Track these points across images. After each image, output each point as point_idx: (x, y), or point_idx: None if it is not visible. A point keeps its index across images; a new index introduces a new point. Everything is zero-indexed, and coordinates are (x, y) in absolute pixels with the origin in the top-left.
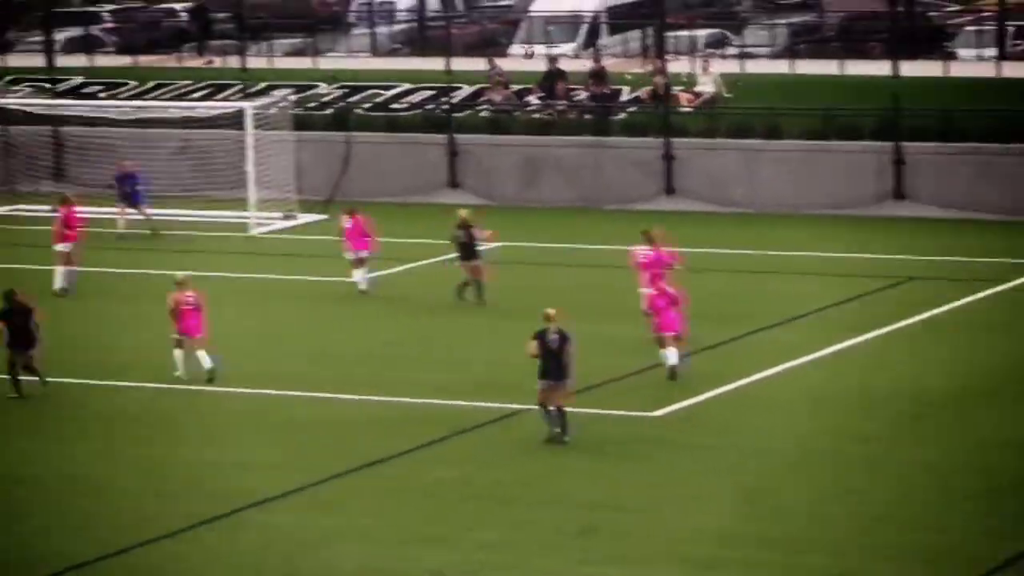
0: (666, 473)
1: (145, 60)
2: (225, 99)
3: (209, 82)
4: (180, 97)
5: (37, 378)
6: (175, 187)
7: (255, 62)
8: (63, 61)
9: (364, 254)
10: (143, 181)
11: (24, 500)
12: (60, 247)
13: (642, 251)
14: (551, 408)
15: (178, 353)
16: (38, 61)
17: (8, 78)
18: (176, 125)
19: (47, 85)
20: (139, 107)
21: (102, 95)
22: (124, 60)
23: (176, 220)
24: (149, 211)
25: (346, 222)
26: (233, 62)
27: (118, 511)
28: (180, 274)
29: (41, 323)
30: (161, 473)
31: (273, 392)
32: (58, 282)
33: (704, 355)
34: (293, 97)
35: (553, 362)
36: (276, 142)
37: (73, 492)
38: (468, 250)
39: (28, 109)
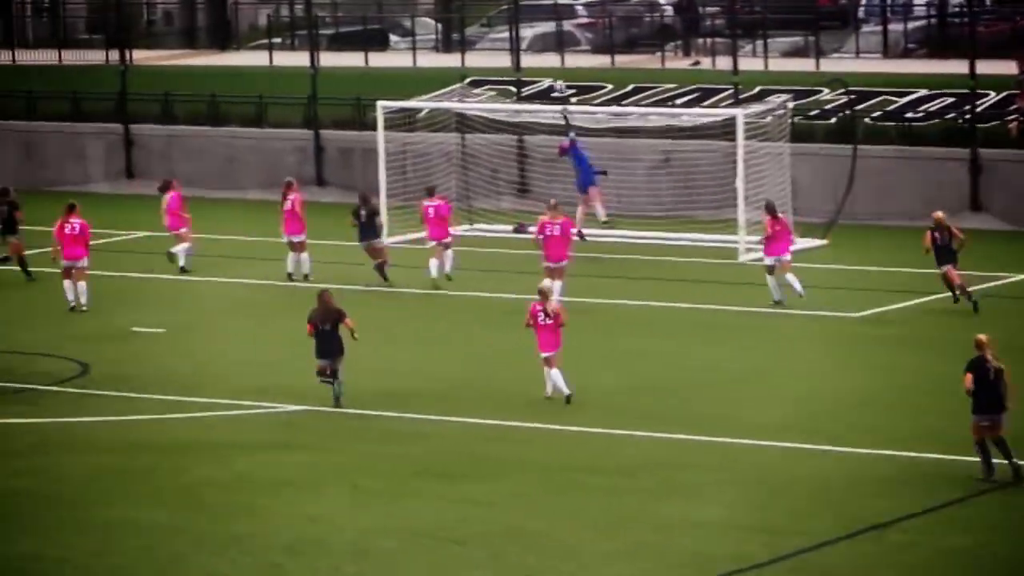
0: None
1: (623, 60)
2: (713, 105)
3: (695, 85)
4: (662, 103)
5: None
6: (654, 206)
7: (748, 63)
8: (530, 61)
9: (783, 259)
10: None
11: (462, 558)
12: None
13: None
14: (987, 443)
15: (549, 372)
16: (502, 61)
17: (469, 79)
18: (657, 135)
19: (512, 88)
20: (615, 114)
21: (574, 100)
22: (599, 60)
23: (656, 244)
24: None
25: (771, 226)
26: (723, 63)
27: (576, 572)
28: (545, 283)
29: (351, 331)
30: (626, 530)
31: (749, 442)
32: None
33: None
34: (791, 104)
35: (989, 394)
36: (771, 155)
37: (518, 548)
38: (947, 254)
39: (491, 115)
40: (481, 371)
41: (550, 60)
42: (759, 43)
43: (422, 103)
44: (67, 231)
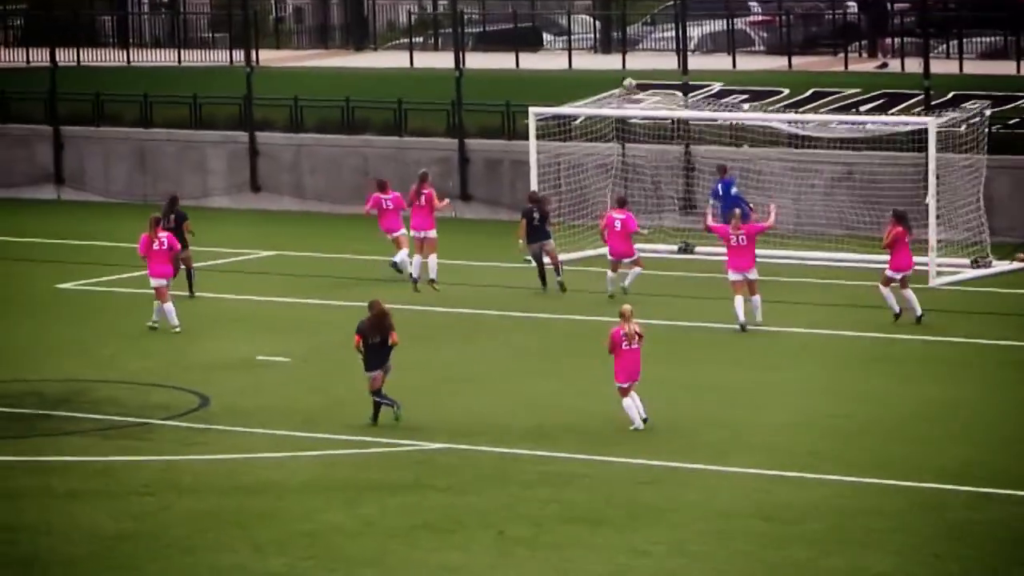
0: None
1: (801, 62)
2: (902, 112)
3: (882, 90)
4: (845, 109)
5: (390, 404)
6: (834, 224)
7: (941, 66)
8: (698, 63)
9: (903, 274)
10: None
11: None
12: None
13: None
14: None
15: (627, 402)
16: (667, 63)
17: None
18: (838, 145)
19: (678, 93)
20: (792, 121)
21: (745, 106)
22: (775, 62)
23: (835, 266)
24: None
25: (900, 238)
26: (913, 65)
27: None
28: (626, 306)
29: (397, 346)
30: None
31: (927, 485)
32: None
33: None
34: (988, 111)
35: None
36: (966, 168)
37: None
38: None
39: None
40: None
41: (720, 62)
42: (953, 43)
43: (578, 109)
44: (155, 247)
